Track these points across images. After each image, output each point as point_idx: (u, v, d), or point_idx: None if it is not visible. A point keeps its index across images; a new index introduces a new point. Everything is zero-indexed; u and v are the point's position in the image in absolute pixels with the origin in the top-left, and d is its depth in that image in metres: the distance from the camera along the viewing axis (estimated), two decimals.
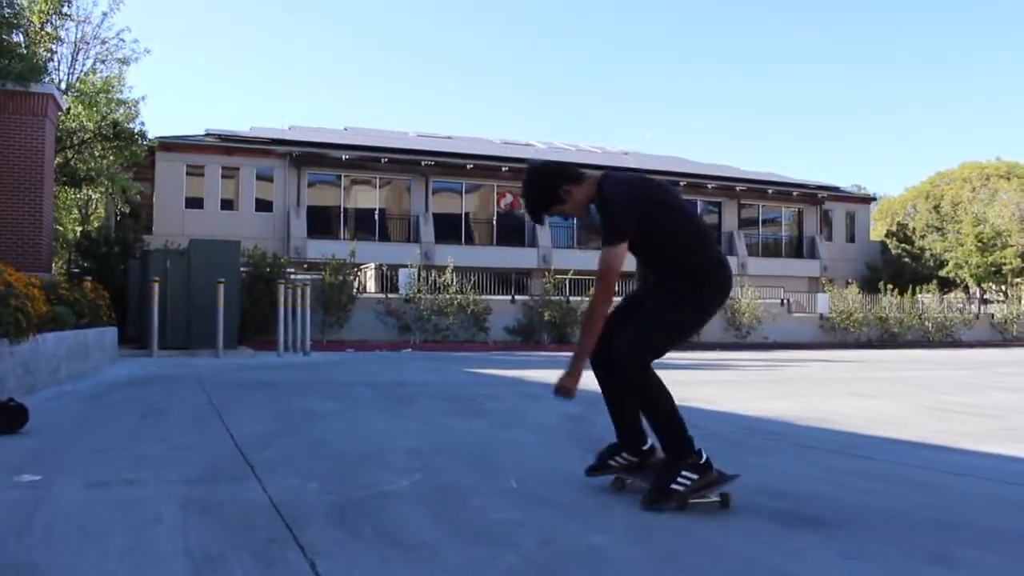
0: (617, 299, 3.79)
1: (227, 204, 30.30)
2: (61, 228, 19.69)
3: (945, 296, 31.86)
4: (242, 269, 18.32)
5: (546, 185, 3.71)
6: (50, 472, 3.97)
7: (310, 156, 30.62)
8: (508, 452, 4.88)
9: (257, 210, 30.23)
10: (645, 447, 3.84)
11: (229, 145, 30.19)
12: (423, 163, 31.53)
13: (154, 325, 14.46)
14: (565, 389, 3.53)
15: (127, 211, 25.58)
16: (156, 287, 14.54)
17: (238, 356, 15.24)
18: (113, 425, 5.71)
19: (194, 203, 29.45)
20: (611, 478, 3.88)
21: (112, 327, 12.94)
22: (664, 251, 3.65)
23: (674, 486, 3.45)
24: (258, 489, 3.68)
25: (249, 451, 4.63)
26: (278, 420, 6.18)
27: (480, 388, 9.46)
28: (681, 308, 3.65)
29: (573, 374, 3.51)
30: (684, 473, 3.46)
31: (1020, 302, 33.72)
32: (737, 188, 36.87)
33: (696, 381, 11.05)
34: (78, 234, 20.88)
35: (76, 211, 23.08)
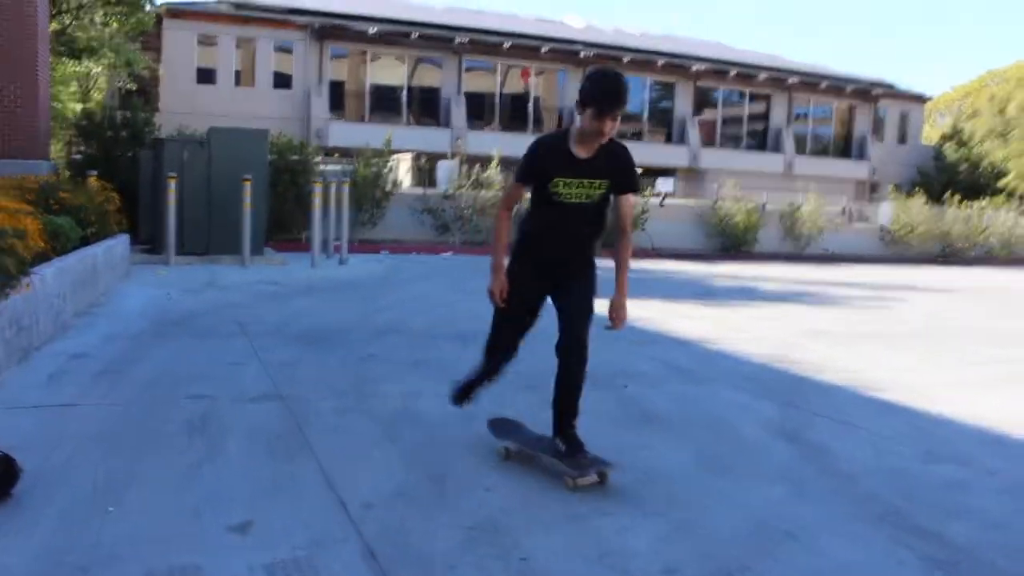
0: None
1: (242, 80, 27.64)
2: (59, 105, 17.31)
3: (1007, 210, 29.59)
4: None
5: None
6: None
7: (332, 28, 27.72)
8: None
9: (275, 87, 27.57)
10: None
11: (244, 14, 27.17)
12: (456, 40, 28.66)
13: (171, 230, 12.34)
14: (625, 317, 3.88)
15: (133, 88, 23.00)
16: (172, 184, 12.35)
17: (266, 264, 13.21)
18: (148, 469, 3.68)
19: (206, 78, 26.73)
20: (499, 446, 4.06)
21: (123, 235, 10.87)
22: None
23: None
24: None
25: None
26: (392, 449, 4.17)
27: (598, 347, 7.40)
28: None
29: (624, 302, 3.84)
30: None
31: None
32: (789, 81, 34.03)
33: (828, 331, 9.01)
34: (78, 112, 18.45)
35: (75, 84, 20.57)
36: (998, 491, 4.02)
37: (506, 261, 3.88)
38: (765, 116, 34.84)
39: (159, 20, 22.96)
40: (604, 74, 3.63)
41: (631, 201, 3.75)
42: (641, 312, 9.76)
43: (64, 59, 17.56)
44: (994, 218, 28.40)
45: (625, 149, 3.74)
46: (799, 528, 3.37)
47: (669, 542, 3.17)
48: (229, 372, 5.63)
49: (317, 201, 13.73)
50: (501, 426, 4.17)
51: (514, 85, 31.40)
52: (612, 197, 3.76)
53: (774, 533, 3.31)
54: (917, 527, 3.46)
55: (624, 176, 3.72)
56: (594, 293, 3.78)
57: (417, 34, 28.23)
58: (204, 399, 4.85)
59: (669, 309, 10.31)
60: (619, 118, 3.56)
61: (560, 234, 3.78)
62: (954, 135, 39.46)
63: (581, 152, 3.66)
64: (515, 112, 31.17)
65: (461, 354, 6.70)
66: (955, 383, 6.55)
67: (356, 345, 6.92)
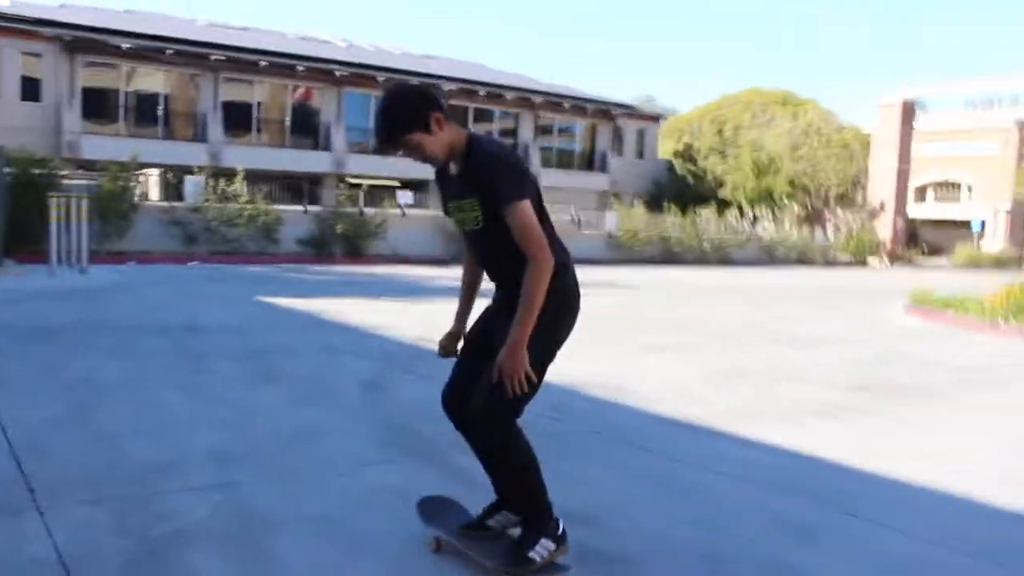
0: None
1: None
2: None
3: (721, 217, 33.99)
4: (7, 170, 16.77)
5: (416, 106, 2.99)
6: None
7: (85, 42, 27.91)
8: (312, 455, 4.80)
9: (23, 99, 27.36)
10: None
11: None
12: (213, 57, 29.58)
13: None
14: (515, 371, 2.96)
15: None
16: None
17: (4, 276, 14.06)
18: None
19: None
20: (428, 535, 3.47)
21: None
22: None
23: (532, 554, 3.12)
24: (41, 532, 3.46)
25: (28, 460, 4.32)
26: (60, 398, 5.77)
27: (277, 333, 9.24)
28: (543, 342, 3.07)
29: (517, 354, 2.95)
30: (543, 541, 3.15)
31: (785, 226, 36.45)
32: (535, 100, 37.21)
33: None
34: None
35: None
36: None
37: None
38: (514, 132, 37.83)
39: None
40: None
41: (514, 216, 2.93)
42: (338, 306, 11.66)
43: None
44: (707, 225, 32.63)
45: (488, 155, 3.00)
46: (318, 431, 5.28)
47: (225, 437, 5.01)
48: None
49: (54, 214, 14.69)
50: (432, 508, 3.63)
51: (268, 102, 32.55)
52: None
53: (300, 433, 5.21)
54: (403, 426, 5.46)
55: (489, 189, 2.97)
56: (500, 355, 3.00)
57: (173, 51, 28.90)
58: None
59: (365, 304, 12.25)
60: (418, 144, 2.98)
61: (484, 269, 3.37)
62: (684, 151, 44.25)
63: (453, 168, 3.12)
64: (280, 127, 32.42)
65: (157, 343, 8.31)
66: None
67: (66, 337, 8.34)
